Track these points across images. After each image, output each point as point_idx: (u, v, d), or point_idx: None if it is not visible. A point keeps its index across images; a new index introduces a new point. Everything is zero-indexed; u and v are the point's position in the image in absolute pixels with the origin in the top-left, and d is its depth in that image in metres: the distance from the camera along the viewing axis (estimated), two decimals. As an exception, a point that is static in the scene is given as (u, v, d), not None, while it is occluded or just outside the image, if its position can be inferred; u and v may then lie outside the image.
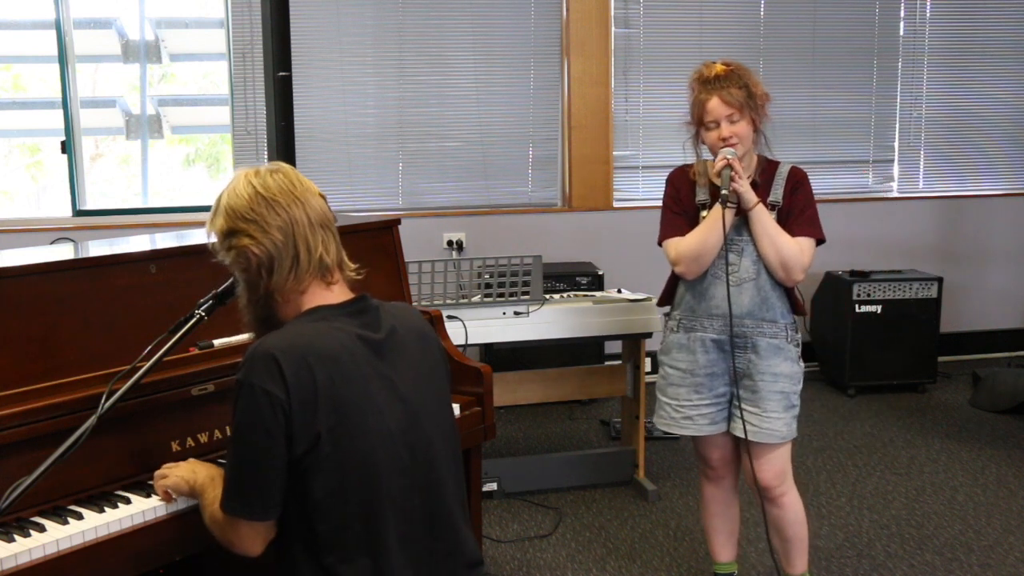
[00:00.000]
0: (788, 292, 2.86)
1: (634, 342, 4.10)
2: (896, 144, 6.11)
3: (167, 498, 2.07)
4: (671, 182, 2.94)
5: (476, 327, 3.72)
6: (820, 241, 2.83)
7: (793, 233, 2.78)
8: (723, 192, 2.69)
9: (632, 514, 3.95)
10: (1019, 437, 4.77)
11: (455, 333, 3.47)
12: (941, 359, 5.63)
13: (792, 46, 5.84)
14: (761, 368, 2.82)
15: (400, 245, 3.00)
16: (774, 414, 2.82)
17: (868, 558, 3.54)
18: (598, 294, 4.33)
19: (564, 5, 5.59)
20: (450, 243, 5.55)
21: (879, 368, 5.40)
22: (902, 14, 6.01)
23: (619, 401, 4.35)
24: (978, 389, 5.36)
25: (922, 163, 6.16)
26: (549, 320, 3.89)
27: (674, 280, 2.98)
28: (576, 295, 4.29)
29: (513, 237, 5.53)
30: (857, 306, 5.33)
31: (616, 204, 5.77)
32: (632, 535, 3.77)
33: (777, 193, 2.82)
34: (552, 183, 5.77)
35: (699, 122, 2.80)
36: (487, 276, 3.85)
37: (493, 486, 4.05)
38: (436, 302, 3.70)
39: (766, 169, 2.86)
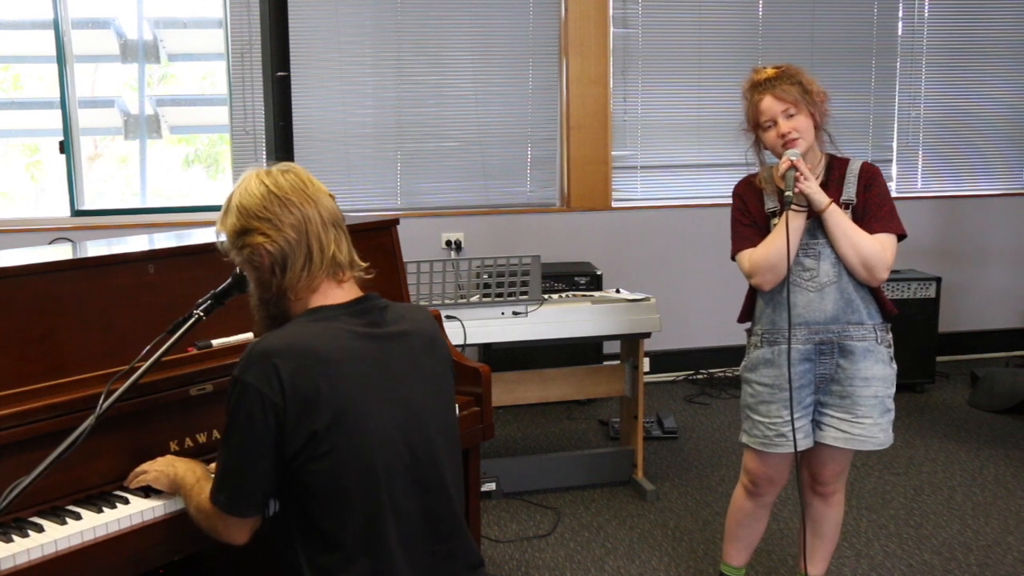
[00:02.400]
0: (875, 292, 2.76)
1: (633, 342, 4.09)
2: (894, 144, 6.12)
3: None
4: (738, 194, 2.85)
5: (475, 327, 3.73)
6: (901, 236, 2.74)
7: (872, 230, 2.69)
8: (788, 194, 2.61)
9: (631, 514, 3.95)
10: (1017, 437, 4.78)
11: (454, 333, 3.48)
12: (939, 359, 5.64)
13: (790, 46, 5.84)
14: (851, 372, 2.73)
15: (399, 245, 3.00)
16: (868, 420, 2.74)
17: (867, 558, 3.54)
18: (596, 294, 4.33)
19: (563, 5, 5.59)
20: (449, 243, 5.55)
21: (877, 368, 5.39)
22: (900, 14, 6.01)
23: (618, 401, 4.35)
24: (976, 389, 5.37)
25: (920, 163, 6.17)
26: (548, 320, 3.89)
27: (752, 294, 2.87)
28: (575, 295, 4.29)
29: (512, 237, 5.53)
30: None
31: (615, 204, 5.77)
32: (631, 535, 3.77)
33: (850, 191, 2.73)
34: (551, 183, 5.77)
35: (756, 125, 2.73)
36: (486, 276, 3.85)
37: (492, 486, 4.05)
38: (435, 302, 3.70)
39: (836, 167, 2.77)
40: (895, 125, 6.10)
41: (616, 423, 4.66)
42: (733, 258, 2.84)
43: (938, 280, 5.46)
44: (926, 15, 6.03)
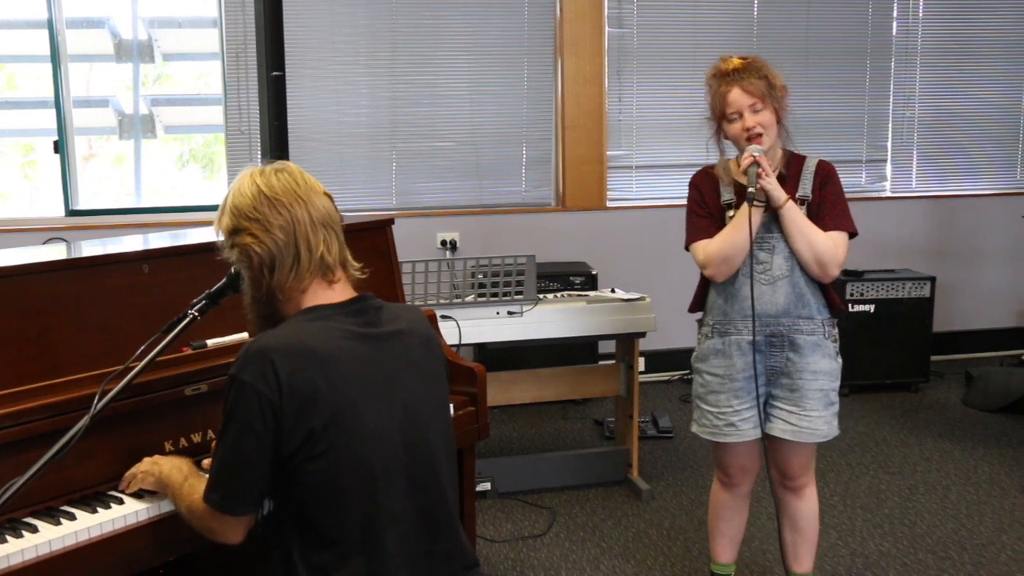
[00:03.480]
0: (824, 288, 2.80)
1: (628, 342, 4.10)
2: (889, 144, 6.13)
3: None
4: (694, 185, 2.89)
5: (470, 327, 3.72)
6: (853, 235, 2.77)
7: (825, 228, 2.72)
8: (750, 190, 2.63)
9: (626, 513, 3.96)
10: (1011, 436, 4.79)
11: (449, 333, 3.47)
12: (934, 358, 5.65)
13: (785, 46, 5.85)
14: (800, 366, 2.77)
15: (394, 245, 3.00)
16: (814, 412, 2.78)
17: (861, 557, 3.55)
18: (592, 294, 4.33)
19: (557, 5, 5.59)
20: (444, 243, 5.55)
21: (872, 367, 5.41)
22: (895, 14, 6.02)
23: (613, 401, 4.35)
24: (970, 388, 5.38)
25: (915, 163, 6.18)
26: (543, 320, 3.89)
27: (704, 285, 2.91)
28: (570, 295, 4.29)
29: (507, 237, 5.53)
30: (850, 305, 5.33)
31: (609, 204, 5.77)
32: (626, 534, 3.77)
33: (806, 188, 2.77)
34: (545, 183, 5.77)
35: (721, 116, 2.76)
36: (481, 276, 3.85)
37: (487, 486, 4.05)
38: (430, 302, 3.70)
39: (793, 163, 2.80)
40: (889, 125, 6.11)
41: (611, 423, 4.66)
42: (687, 248, 2.87)
43: (932, 280, 5.47)
44: (920, 15, 6.04)
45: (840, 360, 2.86)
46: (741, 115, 2.71)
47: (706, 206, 2.84)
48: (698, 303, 2.95)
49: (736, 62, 2.74)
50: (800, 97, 5.84)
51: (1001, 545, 3.64)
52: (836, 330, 2.85)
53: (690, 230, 2.86)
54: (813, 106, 5.85)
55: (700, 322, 2.94)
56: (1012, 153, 6.29)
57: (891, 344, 5.40)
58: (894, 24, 6.03)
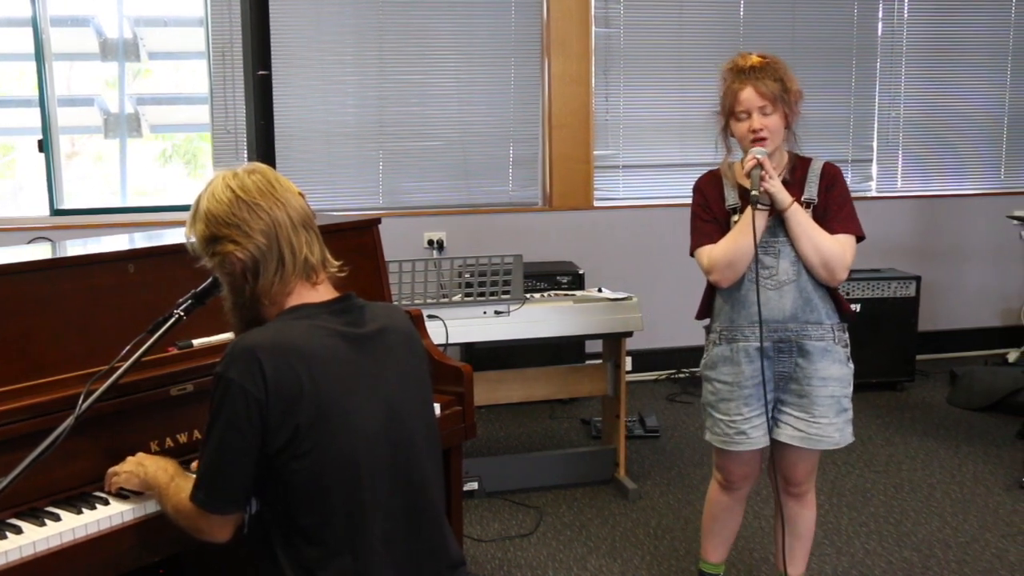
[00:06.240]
0: (832, 292, 2.76)
1: (615, 341, 4.10)
2: (875, 144, 6.16)
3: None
4: (699, 189, 2.84)
5: (456, 326, 3.72)
6: (860, 238, 2.74)
7: (832, 231, 2.68)
8: (753, 193, 2.59)
9: (613, 513, 3.96)
10: (995, 435, 4.81)
11: (436, 332, 3.47)
12: (919, 358, 5.68)
13: (771, 46, 5.73)
14: (809, 372, 2.73)
15: (380, 244, 3.00)
16: (824, 419, 2.74)
17: (847, 555, 3.56)
18: (579, 293, 4.33)
19: (544, 5, 5.59)
20: (431, 242, 5.54)
21: (858, 366, 5.26)
22: (880, 15, 6.05)
23: (600, 400, 4.36)
24: (955, 387, 5.41)
25: (900, 163, 6.21)
26: (530, 319, 3.89)
27: (710, 291, 2.86)
28: (557, 294, 4.30)
29: (494, 236, 5.53)
30: (836, 305, 5.36)
31: (596, 203, 5.78)
32: (613, 534, 3.77)
33: (811, 191, 2.73)
34: (533, 182, 5.77)
35: (730, 112, 2.70)
36: (468, 275, 3.84)
37: (474, 485, 4.05)
38: (416, 301, 3.69)
39: (798, 166, 2.76)
40: (875, 125, 6.14)
41: (598, 422, 4.67)
42: (692, 253, 2.83)
43: (918, 279, 5.49)
44: (906, 16, 6.07)
45: (852, 365, 2.81)
46: (750, 115, 2.66)
47: (710, 211, 2.79)
48: (705, 310, 2.90)
49: (755, 60, 2.68)
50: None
51: (985, 543, 3.66)
52: (847, 335, 2.80)
53: (694, 235, 2.81)
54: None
55: (707, 329, 2.89)
56: (996, 153, 6.33)
57: (876, 343, 5.42)
58: (879, 25, 6.06)
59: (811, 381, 2.74)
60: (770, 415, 2.79)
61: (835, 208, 2.72)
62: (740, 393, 2.77)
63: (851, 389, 2.82)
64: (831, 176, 2.76)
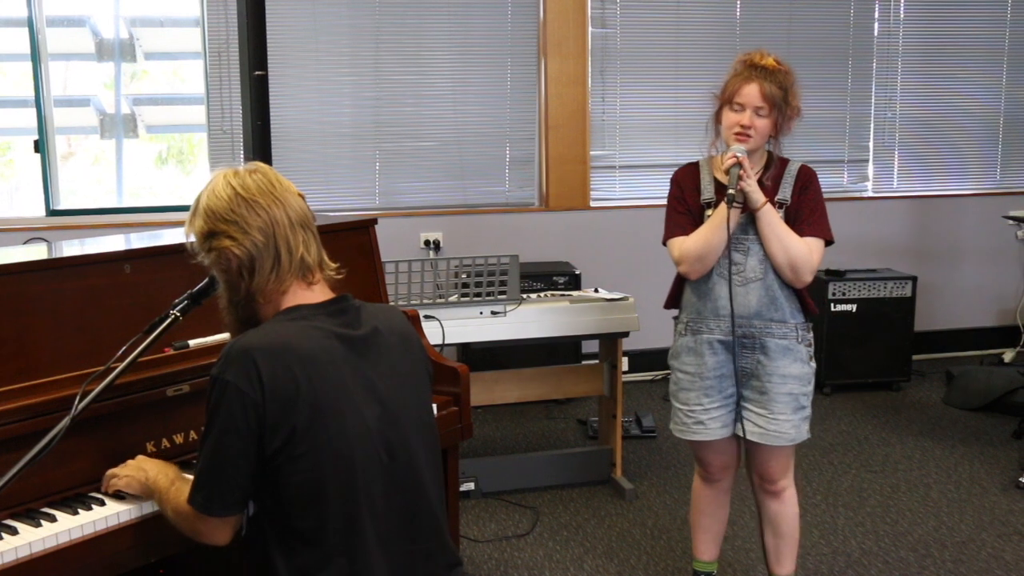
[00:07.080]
0: (798, 292, 2.80)
1: (611, 341, 4.10)
2: (871, 144, 6.16)
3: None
4: (676, 181, 2.90)
5: (453, 327, 3.72)
6: (829, 242, 2.79)
7: (802, 233, 2.73)
8: (729, 191, 2.64)
9: (609, 513, 3.96)
10: (991, 435, 4.82)
11: (432, 333, 3.47)
12: (915, 358, 5.68)
13: (768, 46, 5.65)
14: (769, 369, 2.77)
15: (377, 245, 3.00)
16: (782, 416, 2.79)
17: (843, 555, 3.57)
18: (575, 293, 4.34)
19: (541, 5, 5.59)
20: (427, 243, 5.54)
21: (854, 367, 5.44)
22: (876, 16, 6.05)
23: (596, 400, 4.36)
24: (951, 387, 5.41)
25: (896, 163, 6.22)
26: (526, 320, 3.89)
27: (679, 282, 2.92)
28: (553, 295, 4.29)
29: (490, 237, 5.53)
30: (832, 305, 5.36)
31: (593, 204, 5.78)
32: (609, 534, 3.78)
33: (785, 192, 2.78)
34: (529, 183, 5.77)
35: (728, 100, 2.73)
36: (464, 276, 3.84)
37: (470, 486, 4.05)
38: (413, 302, 3.69)
39: (775, 166, 2.80)
40: (871, 125, 6.14)
41: (595, 422, 4.67)
42: (664, 243, 2.88)
43: (914, 279, 5.50)
44: (902, 17, 6.07)
45: (814, 364, 2.86)
46: (744, 110, 2.70)
47: (685, 203, 2.85)
48: (673, 300, 2.97)
49: (770, 61, 2.74)
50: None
51: (981, 542, 3.66)
52: (810, 335, 2.85)
53: (668, 225, 2.87)
54: (795, 106, 5.86)
55: (676, 319, 2.96)
56: (992, 153, 6.33)
57: (873, 343, 5.43)
58: (876, 26, 6.06)
59: (771, 378, 2.78)
60: (735, 410, 2.84)
61: (807, 211, 2.77)
62: (701, 384, 2.83)
63: (811, 388, 2.86)
64: (806, 178, 2.81)
